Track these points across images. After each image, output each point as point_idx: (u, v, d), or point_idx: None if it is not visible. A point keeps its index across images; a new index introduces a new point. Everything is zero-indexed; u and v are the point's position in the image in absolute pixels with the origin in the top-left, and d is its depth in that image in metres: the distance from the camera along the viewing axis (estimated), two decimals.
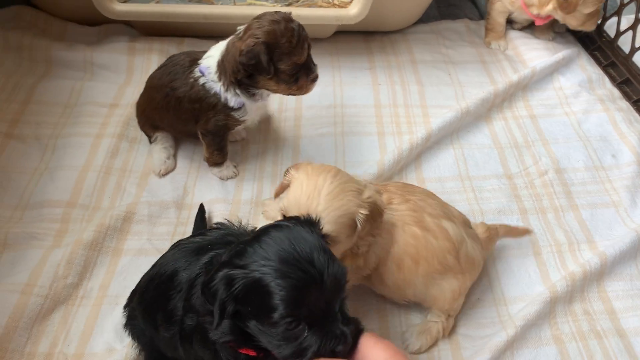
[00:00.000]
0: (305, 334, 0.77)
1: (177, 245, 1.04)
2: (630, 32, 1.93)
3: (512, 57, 2.07)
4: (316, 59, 1.87)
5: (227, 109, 1.37)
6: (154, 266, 1.06)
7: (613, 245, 1.38)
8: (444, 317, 1.22)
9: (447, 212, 1.18)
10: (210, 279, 0.79)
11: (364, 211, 1.01)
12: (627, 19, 1.99)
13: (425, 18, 2.22)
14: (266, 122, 1.71)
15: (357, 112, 1.78)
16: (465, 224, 1.21)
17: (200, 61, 1.37)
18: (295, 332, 0.77)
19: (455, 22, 2.22)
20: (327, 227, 0.96)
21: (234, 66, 1.28)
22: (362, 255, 1.12)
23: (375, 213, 1.04)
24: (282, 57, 1.26)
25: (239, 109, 1.37)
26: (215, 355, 0.92)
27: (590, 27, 1.96)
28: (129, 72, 1.81)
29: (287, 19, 1.28)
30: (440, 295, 1.17)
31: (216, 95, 1.34)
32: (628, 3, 1.95)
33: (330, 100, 1.82)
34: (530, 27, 2.17)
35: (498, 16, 2.08)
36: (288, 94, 1.37)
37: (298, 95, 1.38)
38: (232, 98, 1.35)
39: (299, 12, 1.83)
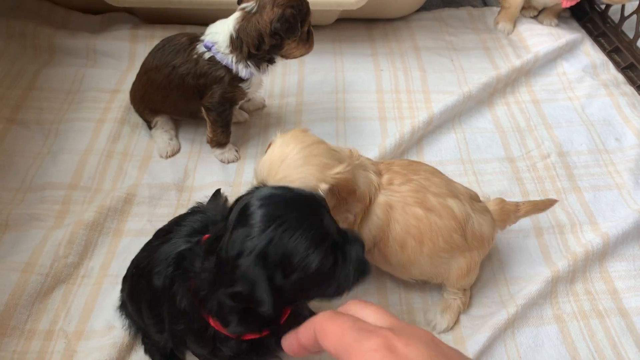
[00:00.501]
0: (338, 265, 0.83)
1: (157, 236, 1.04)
2: (634, 17, 1.92)
3: (515, 42, 2.06)
4: (318, 46, 1.88)
5: (235, 80, 1.41)
6: (137, 255, 1.06)
7: (616, 226, 1.36)
8: (460, 293, 1.21)
9: (452, 189, 1.16)
10: (232, 270, 0.78)
11: (324, 186, 0.99)
12: (631, 4, 1.97)
13: (428, 6, 2.22)
14: (267, 107, 1.72)
15: (358, 98, 1.78)
16: (473, 198, 1.19)
17: (202, 37, 1.40)
18: (330, 266, 0.82)
19: (458, 10, 2.21)
20: None
21: (257, 38, 1.35)
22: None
23: (342, 190, 1.02)
24: (304, 18, 1.38)
25: (246, 80, 1.42)
26: (214, 349, 0.92)
27: None
28: (131, 58, 1.82)
29: None
30: (449, 273, 1.17)
31: (226, 67, 1.39)
32: None
33: (332, 86, 1.82)
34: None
35: None
36: (300, 55, 1.46)
37: (308, 52, 1.47)
38: (244, 69, 1.40)
39: None
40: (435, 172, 1.20)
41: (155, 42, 1.83)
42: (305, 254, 0.78)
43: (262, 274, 0.77)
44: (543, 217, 1.43)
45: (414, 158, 1.58)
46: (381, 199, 1.11)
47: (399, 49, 2.00)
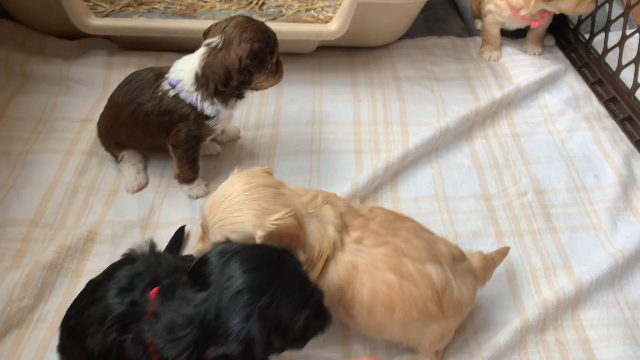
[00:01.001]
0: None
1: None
2: (617, 49, 1.89)
3: (498, 72, 2.04)
4: (298, 75, 1.86)
5: (200, 118, 1.38)
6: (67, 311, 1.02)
7: (590, 270, 1.33)
8: (433, 355, 1.16)
9: (434, 252, 1.08)
10: (224, 331, 0.82)
11: (260, 233, 0.97)
12: (616, 35, 1.95)
13: (412, 33, 2.20)
14: (241, 139, 1.69)
15: (335, 130, 1.75)
16: (456, 259, 1.11)
17: (167, 75, 1.38)
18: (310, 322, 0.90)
19: (441, 39, 2.19)
20: (216, 238, 0.98)
21: (224, 75, 1.33)
22: None
23: (284, 236, 0.98)
24: (273, 50, 1.37)
25: (213, 117, 1.39)
26: None
27: (587, 9, 1.87)
28: (105, 87, 1.79)
29: (249, 17, 1.38)
30: (422, 339, 1.10)
31: (190, 105, 1.36)
32: (616, 19, 1.91)
33: (309, 116, 1.79)
34: (520, 38, 2.16)
35: (491, 28, 2.06)
36: (270, 86, 1.45)
37: (278, 82, 1.46)
38: (209, 107, 1.37)
39: (278, 28, 1.80)
40: (418, 232, 1.12)
41: (131, 70, 1.81)
42: (294, 314, 0.87)
43: (261, 336, 0.82)
44: (517, 260, 1.40)
45: (388, 194, 1.55)
46: (346, 257, 1.05)
47: (379, 78, 1.97)
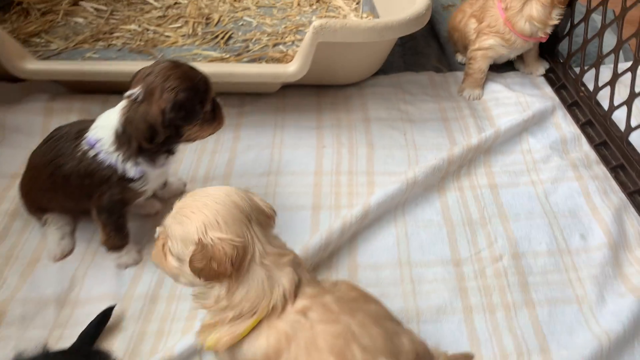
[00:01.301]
0: None
1: None
2: (609, 87, 1.71)
3: (478, 112, 1.86)
4: (258, 117, 1.70)
5: (123, 181, 1.22)
6: None
7: (570, 357, 1.15)
8: None
9: (393, 346, 0.91)
10: None
11: (196, 238, 0.91)
12: (609, 69, 1.76)
13: (388, 68, 2.04)
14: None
15: (293, 181, 1.59)
16: (420, 358, 0.94)
17: (87, 133, 1.22)
18: None
19: (418, 75, 2.02)
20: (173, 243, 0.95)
21: (148, 131, 1.16)
22: (212, 328, 0.95)
23: (209, 258, 0.89)
24: (204, 97, 1.20)
25: (138, 179, 1.23)
26: None
27: None
28: (43, 135, 1.59)
29: (176, 61, 1.21)
30: None
31: (110, 167, 1.20)
32: (608, 54, 1.73)
33: (266, 166, 1.63)
34: (505, 72, 2.02)
35: (482, 63, 1.90)
36: (208, 135, 1.28)
37: (218, 130, 1.29)
38: (132, 168, 1.21)
39: (231, 70, 1.66)
40: (381, 319, 0.95)
41: (73, 116, 1.69)
42: None
43: None
44: (486, 341, 1.21)
45: (345, 260, 1.37)
46: (281, 325, 0.91)
47: (347, 120, 1.81)
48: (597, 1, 1.76)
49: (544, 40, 1.89)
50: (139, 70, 1.21)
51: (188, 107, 1.16)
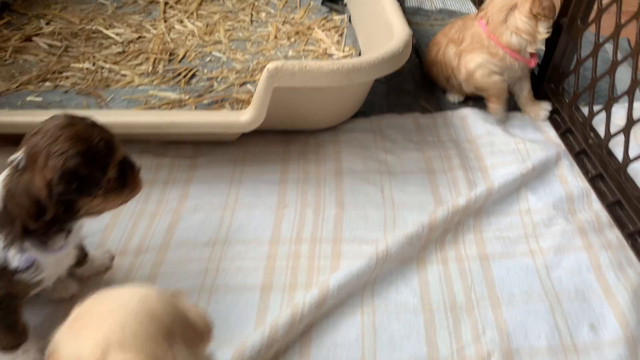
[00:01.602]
0: None
1: None
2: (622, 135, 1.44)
3: (470, 161, 1.60)
4: (212, 171, 1.47)
5: (7, 273, 0.97)
6: None
7: None
8: None
9: None
10: None
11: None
12: (623, 109, 1.49)
13: (369, 109, 1.79)
14: (112, 270, 1.28)
15: (243, 253, 1.33)
16: None
17: None
18: None
19: (402, 117, 1.77)
20: None
21: (33, 207, 0.91)
22: None
23: None
24: (108, 159, 0.96)
25: (26, 268, 0.98)
26: None
27: None
28: None
29: (73, 116, 0.96)
30: None
31: None
32: (621, 96, 1.46)
33: (212, 233, 1.37)
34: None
35: (490, 79, 1.69)
36: (120, 204, 1.03)
37: (131, 198, 1.05)
38: (16, 256, 0.96)
39: (172, 119, 1.43)
40: None
41: None
42: None
43: None
44: None
45: None
46: None
47: (316, 173, 1.56)
48: (609, 29, 1.51)
49: (532, 65, 1.69)
50: (35, 129, 0.97)
51: (82, 176, 0.92)
